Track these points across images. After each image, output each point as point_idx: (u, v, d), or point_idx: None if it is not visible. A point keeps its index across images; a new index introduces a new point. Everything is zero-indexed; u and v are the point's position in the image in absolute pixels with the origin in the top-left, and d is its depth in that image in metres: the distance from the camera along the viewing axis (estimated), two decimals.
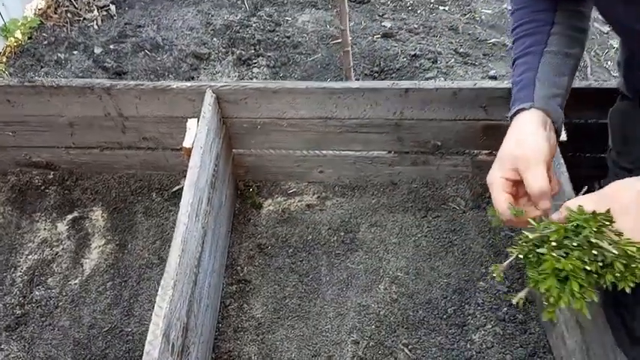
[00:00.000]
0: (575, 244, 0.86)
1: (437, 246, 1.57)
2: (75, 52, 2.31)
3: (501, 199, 1.00)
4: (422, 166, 1.68)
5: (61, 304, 1.46)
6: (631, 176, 1.05)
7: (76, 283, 1.50)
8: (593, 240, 0.85)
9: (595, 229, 0.85)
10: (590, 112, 1.53)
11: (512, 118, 1.10)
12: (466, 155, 1.65)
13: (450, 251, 1.56)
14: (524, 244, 0.92)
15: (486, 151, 1.64)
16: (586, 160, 1.63)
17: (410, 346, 1.38)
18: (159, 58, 2.27)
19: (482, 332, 1.40)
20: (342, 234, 1.60)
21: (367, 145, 1.63)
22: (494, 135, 1.59)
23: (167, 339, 1.04)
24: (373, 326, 1.41)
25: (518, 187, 1.03)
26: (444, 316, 1.43)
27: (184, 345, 1.14)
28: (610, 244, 0.84)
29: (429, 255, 1.55)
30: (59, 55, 2.29)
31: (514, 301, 0.96)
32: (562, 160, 1.35)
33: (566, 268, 0.85)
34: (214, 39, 2.37)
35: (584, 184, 1.67)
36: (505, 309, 1.43)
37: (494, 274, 0.98)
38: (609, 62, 2.30)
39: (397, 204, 1.66)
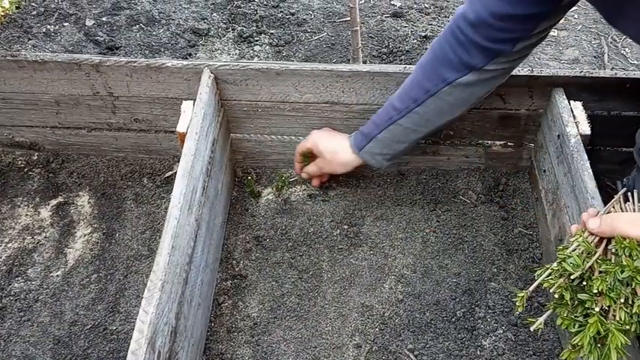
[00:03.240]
0: (622, 300, 0.77)
1: (446, 242, 1.47)
2: (65, 24, 2.18)
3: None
4: (432, 156, 1.57)
5: (41, 297, 1.36)
6: None
7: (58, 275, 1.40)
8: None
9: None
10: (613, 103, 1.43)
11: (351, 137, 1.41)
12: (479, 146, 1.55)
13: (460, 248, 1.46)
14: (560, 279, 0.82)
15: (501, 143, 1.54)
16: (607, 154, 1.53)
17: (416, 352, 1.29)
18: (154, 33, 2.15)
19: (493, 338, 1.31)
20: (346, 227, 1.50)
21: None
22: (510, 125, 1.49)
23: (152, 347, 0.94)
24: (377, 329, 1.32)
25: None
26: (453, 320, 1.33)
27: (172, 350, 1.05)
28: None
29: (438, 252, 1.45)
30: (49, 26, 2.16)
31: (532, 328, 0.86)
32: (585, 156, 1.24)
33: (612, 344, 0.76)
34: (214, 14, 2.24)
35: (605, 179, 1.58)
36: (517, 313, 1.34)
37: (517, 304, 0.88)
38: (627, 49, 2.18)
39: (404, 196, 1.56)
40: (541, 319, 0.85)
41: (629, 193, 0.97)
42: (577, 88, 1.38)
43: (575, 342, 0.79)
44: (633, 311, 0.76)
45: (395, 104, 1.29)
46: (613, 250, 0.82)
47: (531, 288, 0.88)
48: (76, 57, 1.40)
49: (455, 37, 1.18)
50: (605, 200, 1.09)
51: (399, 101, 1.29)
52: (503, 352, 1.28)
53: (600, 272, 0.80)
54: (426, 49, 2.09)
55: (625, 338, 0.76)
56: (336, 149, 1.41)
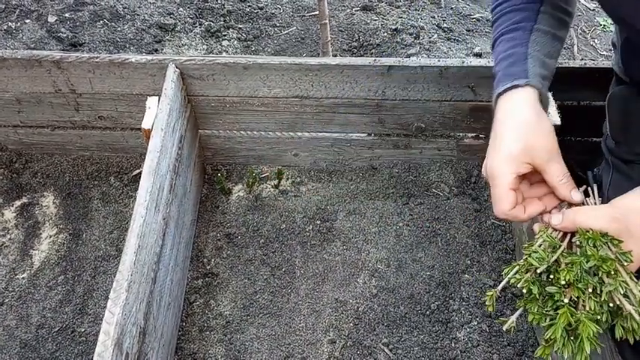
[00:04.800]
0: (590, 289, 0.76)
1: (419, 236, 1.46)
2: (27, 21, 2.12)
3: (509, 200, 0.86)
4: (404, 149, 1.56)
5: (7, 300, 1.32)
6: (629, 167, 0.98)
7: (23, 278, 1.36)
8: (610, 287, 0.76)
9: (612, 271, 0.76)
10: (583, 93, 1.43)
11: (499, 95, 0.96)
12: (451, 139, 1.55)
13: (434, 241, 1.45)
14: (527, 274, 0.81)
15: (472, 135, 1.54)
16: (577, 144, 1.54)
17: (390, 346, 1.28)
18: (119, 29, 2.10)
19: (468, 330, 1.30)
20: (318, 222, 1.48)
21: (345, 127, 1.50)
22: (481, 117, 1.48)
23: (120, 349, 0.91)
24: (351, 324, 1.30)
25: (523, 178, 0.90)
26: (427, 313, 1.33)
27: (141, 351, 1.02)
28: (625, 295, 0.76)
29: (411, 245, 1.44)
30: (10, 24, 2.10)
31: (505, 328, 0.85)
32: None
33: (584, 333, 0.75)
34: (180, 9, 2.20)
35: (575, 170, 1.58)
36: (491, 312, 1.34)
37: (487, 303, 0.87)
38: (596, 40, 2.20)
39: (377, 190, 1.55)
40: (512, 318, 0.84)
41: (589, 188, 0.97)
42: None
43: (548, 336, 0.79)
44: (602, 299, 0.76)
45: (518, 17, 1.03)
46: (577, 243, 0.82)
47: (499, 287, 0.87)
48: (36, 54, 1.36)
49: None
50: None
51: (517, 14, 1.03)
52: (477, 344, 1.28)
53: (566, 264, 0.80)
54: (396, 42, 2.08)
55: (596, 327, 0.75)
56: (524, 123, 0.91)
